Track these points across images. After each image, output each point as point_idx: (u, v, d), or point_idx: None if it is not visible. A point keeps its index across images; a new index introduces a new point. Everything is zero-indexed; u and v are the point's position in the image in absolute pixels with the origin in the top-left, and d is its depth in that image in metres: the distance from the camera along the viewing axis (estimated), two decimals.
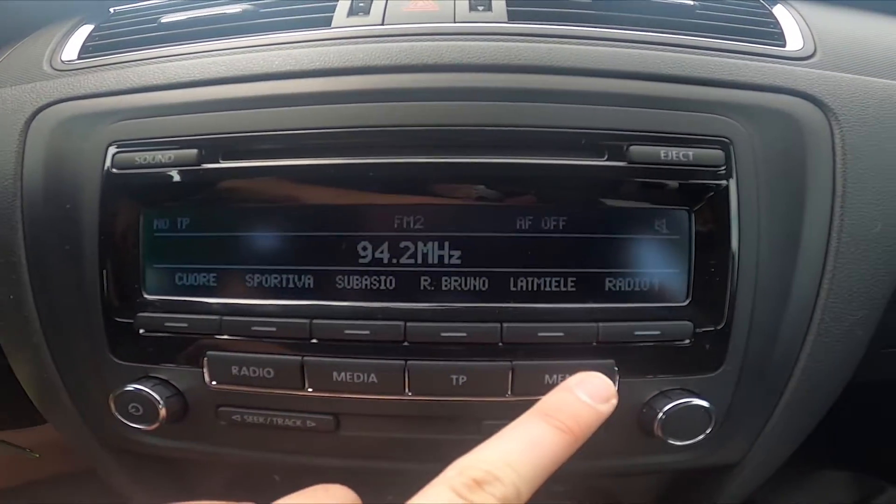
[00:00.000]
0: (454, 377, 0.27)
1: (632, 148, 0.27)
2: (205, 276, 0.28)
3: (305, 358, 0.28)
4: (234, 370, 0.28)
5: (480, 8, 0.33)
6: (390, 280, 0.27)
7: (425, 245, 0.27)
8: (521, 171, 0.27)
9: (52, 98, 0.32)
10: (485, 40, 0.30)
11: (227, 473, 0.36)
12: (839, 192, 0.28)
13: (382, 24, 0.32)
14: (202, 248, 0.29)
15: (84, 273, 0.29)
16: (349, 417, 0.29)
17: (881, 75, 0.33)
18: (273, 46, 0.32)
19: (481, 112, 0.27)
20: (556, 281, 0.27)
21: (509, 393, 0.27)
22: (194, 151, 0.28)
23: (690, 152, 0.27)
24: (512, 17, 0.33)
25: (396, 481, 0.35)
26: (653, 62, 0.29)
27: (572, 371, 0.27)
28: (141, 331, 0.29)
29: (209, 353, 0.28)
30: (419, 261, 0.27)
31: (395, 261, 0.27)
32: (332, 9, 0.34)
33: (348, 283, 0.28)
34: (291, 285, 0.28)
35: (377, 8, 0.33)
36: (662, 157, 0.27)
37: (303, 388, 0.28)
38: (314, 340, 0.27)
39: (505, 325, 0.27)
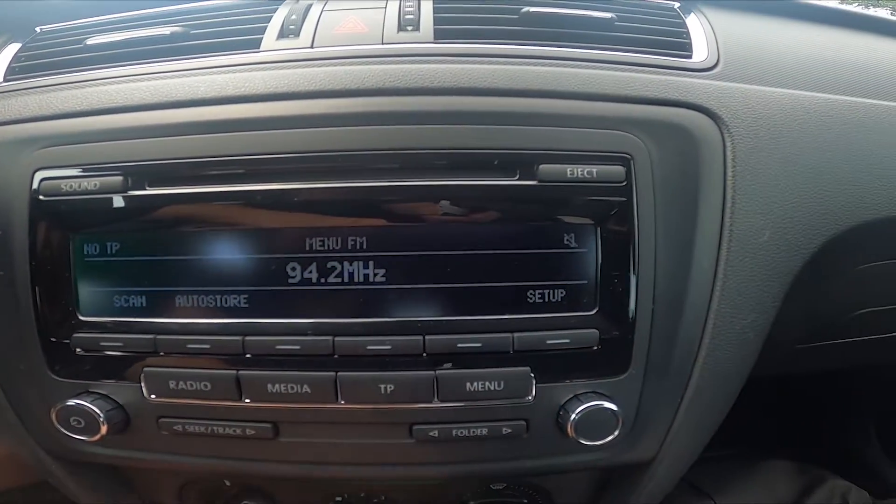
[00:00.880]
0: (382, 386, 0.29)
1: (541, 167, 0.29)
2: (137, 298, 0.30)
3: (240, 371, 0.29)
4: (172, 384, 0.30)
5: (409, 28, 0.35)
6: (319, 298, 0.30)
7: (351, 264, 0.29)
8: (438, 193, 0.29)
9: None
10: (409, 62, 0.32)
11: (178, 477, 0.39)
12: (729, 203, 0.31)
13: (311, 47, 0.34)
14: (133, 271, 0.30)
15: (18, 296, 0.30)
16: (287, 425, 0.31)
17: (778, 84, 0.35)
18: (200, 71, 0.32)
19: (399, 136, 0.29)
20: (473, 294, 0.29)
21: (436, 399, 0.30)
22: (119, 178, 0.29)
23: (594, 169, 0.29)
24: (439, 35, 0.34)
25: (342, 483, 0.38)
26: (563, 80, 0.31)
27: (492, 378, 0.30)
28: (78, 350, 0.30)
29: (146, 369, 0.30)
30: (345, 279, 0.29)
31: (322, 280, 0.29)
32: (263, 30, 0.35)
33: (279, 302, 0.29)
34: (224, 304, 0.30)
35: (307, 30, 0.34)
36: (569, 175, 0.29)
37: (240, 399, 0.30)
38: (248, 355, 0.29)
39: (427, 337, 0.29)
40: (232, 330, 0.29)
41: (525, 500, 0.40)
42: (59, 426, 0.30)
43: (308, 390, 0.30)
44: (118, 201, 0.29)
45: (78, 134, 0.31)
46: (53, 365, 0.31)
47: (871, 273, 0.39)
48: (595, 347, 0.30)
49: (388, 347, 0.29)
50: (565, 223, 0.30)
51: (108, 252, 0.30)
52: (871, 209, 0.35)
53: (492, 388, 0.30)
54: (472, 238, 0.29)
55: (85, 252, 0.30)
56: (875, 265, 0.39)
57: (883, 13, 0.49)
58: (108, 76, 0.34)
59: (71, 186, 0.30)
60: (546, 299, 0.30)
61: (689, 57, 0.36)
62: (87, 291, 0.30)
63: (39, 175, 0.30)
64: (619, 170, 0.30)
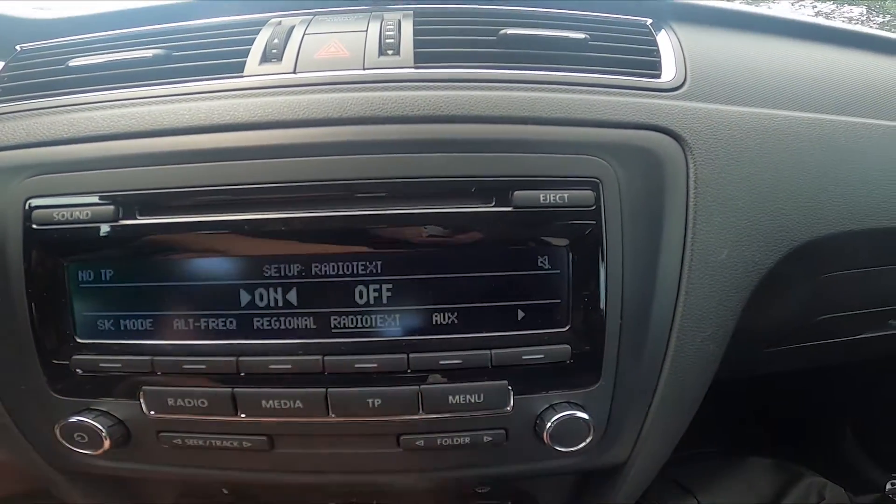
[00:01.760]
0: (370, 400, 0.32)
1: (515, 193, 0.32)
2: (133, 322, 0.32)
3: (236, 389, 0.32)
4: (170, 401, 0.32)
5: (389, 52, 0.37)
6: (308, 320, 0.32)
7: (337, 289, 0.32)
8: (419, 220, 0.31)
9: None
10: (390, 89, 0.34)
11: (177, 487, 0.42)
12: (690, 224, 0.34)
13: (294, 73, 0.36)
14: (128, 297, 0.32)
15: (17, 320, 0.32)
16: (282, 437, 0.34)
17: (742, 102, 0.38)
18: (184, 97, 0.34)
19: (381, 166, 0.31)
20: (453, 315, 0.32)
21: (421, 411, 0.33)
22: (111, 208, 0.31)
23: (566, 194, 0.32)
24: (419, 59, 0.36)
25: (336, 491, 0.41)
26: (538, 106, 0.34)
27: (473, 391, 0.34)
28: (77, 371, 0.33)
29: (144, 387, 0.32)
30: (333, 303, 0.32)
31: (311, 303, 0.32)
32: (246, 53, 0.37)
33: (269, 324, 0.32)
34: (217, 327, 0.32)
35: (290, 54, 0.36)
36: (542, 201, 0.32)
37: (236, 414, 0.32)
38: (242, 374, 0.32)
39: (411, 355, 0.32)
40: (226, 351, 0.32)
41: (508, 503, 0.44)
42: (63, 441, 0.33)
43: (300, 405, 0.32)
44: (110, 230, 0.32)
45: (68, 162, 0.33)
46: (54, 385, 0.33)
47: (830, 282, 0.43)
48: (568, 361, 0.33)
49: (375, 365, 0.32)
50: (539, 246, 0.33)
51: (103, 279, 0.32)
52: (827, 224, 0.39)
53: (472, 400, 0.33)
54: (451, 262, 0.32)
55: (80, 278, 0.32)
56: (835, 275, 0.43)
57: (846, 25, 0.52)
58: (94, 101, 0.35)
59: (63, 216, 0.32)
60: (521, 318, 0.33)
61: (658, 77, 0.38)
62: (83, 316, 0.32)
63: (31, 203, 0.32)
64: (588, 194, 0.32)
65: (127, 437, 0.34)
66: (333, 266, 0.32)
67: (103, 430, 0.32)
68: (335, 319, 0.32)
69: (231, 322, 0.32)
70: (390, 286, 0.32)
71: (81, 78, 0.37)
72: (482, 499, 0.43)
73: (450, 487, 0.43)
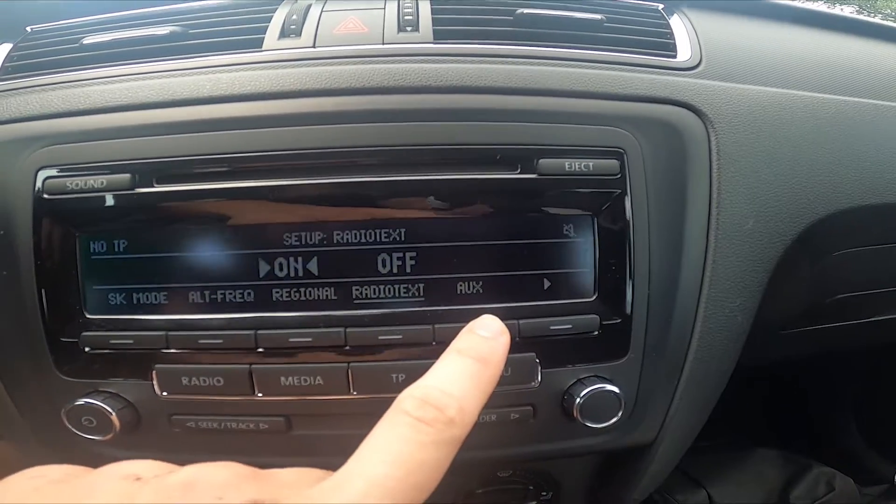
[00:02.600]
0: (394, 375, 0.31)
1: (540, 161, 0.31)
2: (147, 295, 0.31)
3: (253, 366, 0.31)
4: (184, 380, 0.31)
5: (408, 28, 0.37)
6: (329, 290, 0.31)
7: (363, 257, 0.31)
8: (443, 187, 0.31)
9: None
10: (410, 62, 0.34)
11: None
12: (715, 194, 0.34)
13: (313, 47, 0.36)
14: (142, 269, 0.31)
15: (24, 296, 0.31)
16: (299, 418, 0.32)
17: (757, 82, 0.38)
18: (203, 70, 0.34)
19: (406, 133, 0.31)
20: (478, 284, 0.32)
21: None
22: (127, 176, 0.30)
23: (591, 163, 0.32)
24: (438, 36, 0.36)
25: None
26: (559, 79, 0.34)
27: None
28: (86, 349, 0.31)
29: (157, 366, 0.31)
30: (357, 272, 0.31)
31: (334, 273, 0.31)
32: (264, 30, 0.36)
33: (289, 296, 0.31)
34: (234, 299, 0.31)
35: (308, 30, 0.36)
36: (567, 169, 0.31)
37: (253, 393, 0.31)
38: (260, 349, 0.31)
39: (436, 326, 0.31)
40: (244, 324, 0.31)
41: (531, 487, 0.42)
42: (70, 426, 0.31)
43: (321, 382, 0.31)
44: (126, 199, 0.30)
45: (82, 132, 0.32)
46: (61, 365, 0.32)
47: (846, 259, 0.43)
48: (596, 332, 0.32)
49: (400, 337, 0.31)
50: (564, 214, 0.32)
51: (116, 249, 0.31)
52: (846, 198, 0.39)
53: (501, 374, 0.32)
54: (476, 230, 0.32)
55: (91, 250, 0.31)
56: (850, 251, 0.43)
57: (851, 13, 0.54)
58: (108, 75, 0.34)
59: (77, 185, 0.30)
60: (548, 287, 0.32)
61: (674, 56, 0.39)
62: (94, 290, 0.31)
63: (43, 174, 0.31)
64: (613, 163, 0.32)
65: (137, 420, 0.32)
66: (356, 234, 0.31)
67: (112, 413, 0.31)
68: (357, 290, 0.31)
69: (249, 294, 0.31)
70: (414, 254, 0.31)
71: (95, 55, 0.36)
72: (504, 483, 0.42)
73: (472, 470, 0.41)
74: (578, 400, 0.32)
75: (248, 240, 0.31)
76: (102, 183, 0.30)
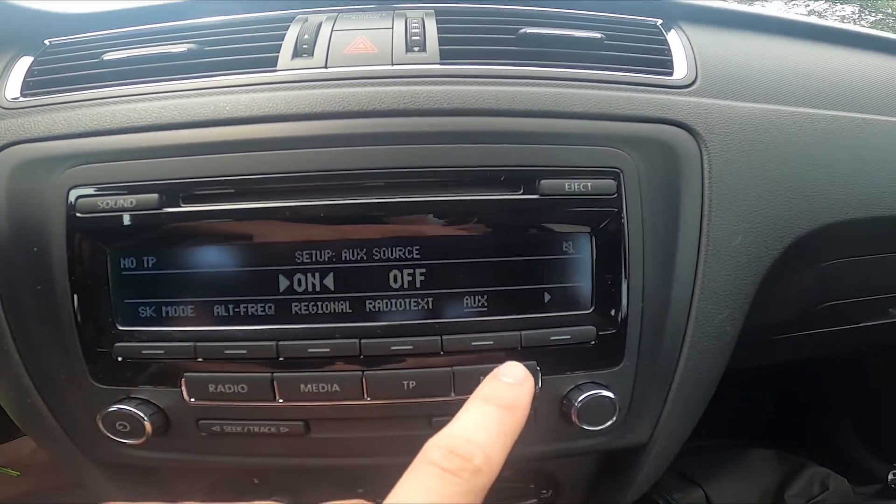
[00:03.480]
0: (405, 383, 0.35)
1: (542, 182, 0.35)
2: (175, 308, 0.34)
3: (275, 374, 0.35)
4: (211, 388, 0.34)
5: (416, 49, 0.40)
6: (345, 304, 0.35)
7: (376, 274, 0.34)
8: (451, 207, 0.34)
9: (6, 140, 0.36)
10: (419, 84, 0.37)
11: (208, 477, 0.43)
12: (706, 211, 0.37)
13: (326, 67, 0.39)
14: (170, 284, 0.34)
15: (59, 309, 0.34)
16: (317, 422, 0.36)
17: (749, 98, 0.42)
18: (222, 89, 0.37)
19: (416, 155, 0.35)
20: (484, 298, 0.35)
21: (453, 393, 0.36)
22: (155, 196, 0.34)
23: (589, 183, 0.35)
24: (444, 56, 0.40)
25: (364, 476, 0.44)
26: (560, 100, 0.37)
27: None
28: (119, 359, 0.35)
29: (186, 374, 0.35)
30: (371, 287, 0.35)
31: (350, 288, 0.34)
32: (277, 48, 0.40)
33: (307, 309, 0.34)
34: (257, 313, 0.35)
35: (320, 50, 0.39)
36: (567, 189, 0.35)
37: (274, 399, 0.35)
38: (281, 359, 0.35)
39: (444, 337, 0.35)
40: (266, 336, 0.34)
41: (532, 485, 0.47)
42: (105, 431, 0.35)
43: (337, 388, 0.35)
44: (154, 218, 0.34)
45: (110, 152, 0.35)
46: (96, 373, 0.35)
47: (834, 269, 0.47)
48: (593, 342, 0.36)
49: (410, 347, 0.35)
50: (564, 232, 0.36)
51: (145, 266, 0.34)
52: (831, 213, 0.42)
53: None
54: (482, 248, 0.35)
55: (122, 266, 0.34)
56: (838, 262, 0.47)
57: (846, 26, 0.57)
58: (131, 93, 0.38)
59: (107, 204, 0.34)
60: (548, 300, 0.36)
61: (671, 74, 0.42)
62: (125, 303, 0.35)
63: (75, 192, 0.34)
64: (610, 183, 0.36)
65: (167, 425, 0.36)
66: (369, 252, 0.35)
67: (145, 418, 0.34)
68: (370, 304, 0.35)
69: (270, 307, 0.35)
70: (423, 271, 0.35)
71: (116, 71, 0.39)
72: (506, 482, 0.46)
73: None
74: (576, 404, 0.36)
75: (268, 257, 0.35)
76: (132, 203, 0.34)
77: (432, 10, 0.44)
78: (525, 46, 0.41)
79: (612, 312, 0.36)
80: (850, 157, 0.44)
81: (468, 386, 0.35)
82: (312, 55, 0.39)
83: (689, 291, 0.38)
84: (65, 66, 0.41)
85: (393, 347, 0.35)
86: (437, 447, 0.22)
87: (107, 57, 0.40)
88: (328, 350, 0.35)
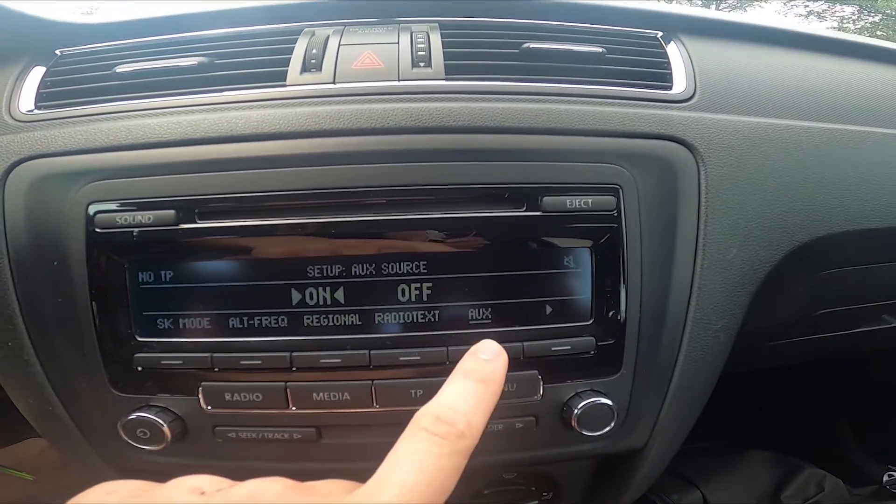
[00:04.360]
0: (413, 391, 0.38)
1: (544, 199, 0.38)
2: (192, 320, 0.37)
3: (289, 383, 0.37)
4: (227, 396, 0.37)
5: (421, 64, 0.42)
6: (355, 317, 0.38)
7: (385, 288, 0.37)
8: (457, 224, 0.37)
9: (24, 154, 0.38)
10: (426, 101, 0.40)
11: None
12: (702, 225, 0.40)
13: (334, 83, 0.41)
14: (187, 297, 0.37)
15: (80, 321, 0.37)
16: (329, 428, 0.39)
17: (746, 112, 0.44)
18: (235, 105, 0.39)
19: (423, 173, 0.37)
20: (488, 310, 0.38)
21: None
22: (172, 212, 0.36)
23: (590, 199, 0.38)
24: (449, 71, 0.42)
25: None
26: (562, 117, 0.40)
27: (506, 381, 0.38)
28: (138, 368, 0.37)
29: (203, 383, 0.37)
30: (381, 301, 0.37)
31: (361, 301, 0.37)
32: (286, 63, 0.42)
33: (319, 321, 0.37)
34: (270, 324, 0.37)
35: (328, 65, 0.42)
36: (568, 206, 0.38)
37: (288, 407, 0.38)
38: (294, 369, 0.37)
39: (451, 347, 0.37)
40: (280, 347, 0.37)
41: (533, 487, 0.50)
42: (125, 437, 0.37)
43: (348, 397, 0.38)
44: (171, 234, 0.36)
45: (128, 168, 0.37)
46: (116, 382, 0.38)
47: (828, 279, 0.50)
48: (592, 352, 0.39)
49: (418, 358, 0.38)
50: (565, 247, 0.39)
51: (163, 279, 0.37)
52: (825, 225, 0.45)
53: (506, 389, 0.38)
54: (486, 262, 0.38)
55: (140, 280, 0.37)
56: (832, 272, 0.50)
57: (845, 35, 0.60)
58: (146, 107, 0.40)
59: (126, 220, 0.36)
60: (549, 312, 0.39)
61: (670, 88, 0.45)
62: (144, 315, 0.37)
63: (93, 208, 0.37)
64: (610, 199, 0.39)
65: (184, 432, 0.38)
66: (377, 267, 0.37)
67: (164, 425, 0.37)
68: (379, 316, 0.38)
69: (283, 320, 0.38)
70: (430, 285, 0.38)
71: (129, 84, 0.41)
72: (509, 484, 0.49)
73: (480, 473, 0.48)
74: (576, 411, 0.39)
75: (280, 272, 0.37)
76: (149, 219, 0.36)
77: (436, 24, 0.46)
78: (528, 61, 0.44)
79: (611, 323, 0.39)
80: (842, 170, 0.47)
81: None
82: (321, 70, 0.42)
83: (686, 302, 0.41)
84: (77, 77, 0.43)
85: (401, 358, 0.38)
86: (426, 415, 0.26)
87: (119, 69, 0.42)
88: (339, 360, 0.37)
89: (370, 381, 0.38)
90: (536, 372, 0.39)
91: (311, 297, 0.37)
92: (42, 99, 0.42)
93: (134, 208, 0.37)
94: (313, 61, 0.42)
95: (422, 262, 0.38)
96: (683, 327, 0.41)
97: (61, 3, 0.46)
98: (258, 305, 0.37)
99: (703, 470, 0.81)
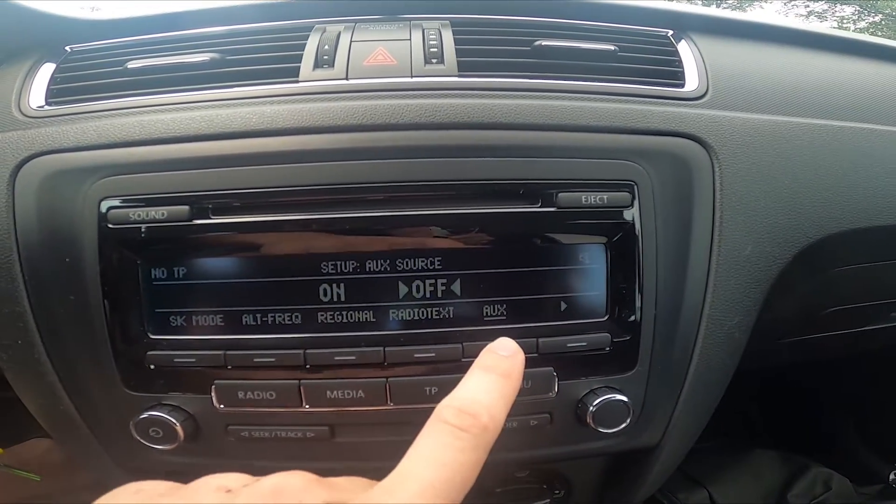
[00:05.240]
0: (427, 388, 0.38)
1: (560, 195, 0.37)
2: (206, 318, 0.37)
3: (302, 381, 0.37)
4: (240, 394, 0.37)
5: (434, 61, 0.42)
6: (369, 313, 0.37)
7: (400, 284, 0.37)
8: (472, 220, 0.37)
9: (34, 150, 0.38)
10: (439, 97, 0.40)
11: None
12: (717, 223, 0.40)
13: (346, 79, 0.41)
14: (200, 294, 0.37)
15: (91, 318, 0.37)
16: (342, 427, 0.39)
17: (759, 110, 0.44)
18: (248, 101, 0.39)
19: (438, 169, 0.37)
20: (503, 307, 0.38)
21: None
22: (185, 208, 0.36)
23: (605, 195, 0.38)
24: (462, 68, 0.42)
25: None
26: (577, 114, 0.40)
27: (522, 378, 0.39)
28: (151, 366, 0.37)
29: (216, 381, 0.37)
30: (395, 297, 0.37)
31: (375, 298, 0.37)
32: (298, 59, 0.42)
33: (333, 318, 0.37)
34: (284, 322, 0.37)
35: (340, 61, 0.41)
36: (583, 202, 0.38)
37: (301, 405, 0.37)
38: (308, 366, 0.37)
39: (465, 344, 0.37)
40: (294, 344, 0.37)
41: (545, 485, 0.49)
42: (137, 436, 0.37)
43: (362, 394, 0.37)
44: (184, 230, 0.36)
45: (140, 163, 0.37)
46: (128, 381, 0.38)
47: (839, 277, 0.50)
48: (607, 349, 0.39)
49: (433, 354, 0.37)
50: (580, 243, 0.38)
51: (176, 276, 0.37)
52: (836, 223, 0.45)
53: (521, 386, 0.38)
54: (501, 259, 0.38)
55: (153, 276, 0.37)
56: (842, 269, 0.50)
57: (855, 35, 0.60)
58: (158, 103, 0.40)
59: (139, 216, 0.36)
60: (564, 309, 0.39)
61: (682, 86, 0.45)
62: (157, 312, 0.37)
63: (106, 204, 0.36)
64: (625, 196, 0.38)
65: (197, 430, 0.38)
66: (392, 263, 0.37)
67: (177, 424, 0.37)
68: (394, 313, 0.38)
69: (297, 317, 0.37)
70: (445, 281, 0.38)
71: (141, 80, 0.41)
72: (520, 482, 0.49)
73: (493, 471, 0.48)
74: (591, 408, 0.39)
75: (294, 268, 0.37)
76: (163, 214, 0.36)
77: (448, 22, 0.46)
78: (540, 59, 0.44)
79: (626, 320, 0.39)
80: (856, 168, 0.47)
81: None
82: (333, 66, 0.41)
83: (701, 299, 0.40)
84: (88, 73, 0.43)
85: (416, 355, 0.37)
86: (448, 408, 0.26)
87: (130, 65, 0.42)
88: (354, 358, 0.37)
89: (384, 379, 0.38)
90: (552, 368, 0.39)
91: (325, 294, 0.37)
92: (52, 95, 0.42)
93: (147, 204, 0.36)
94: (325, 57, 0.42)
95: (436, 259, 0.37)
96: (699, 324, 0.41)
97: (67, 0, 0.46)
98: (272, 302, 0.37)
99: (709, 469, 0.81)
